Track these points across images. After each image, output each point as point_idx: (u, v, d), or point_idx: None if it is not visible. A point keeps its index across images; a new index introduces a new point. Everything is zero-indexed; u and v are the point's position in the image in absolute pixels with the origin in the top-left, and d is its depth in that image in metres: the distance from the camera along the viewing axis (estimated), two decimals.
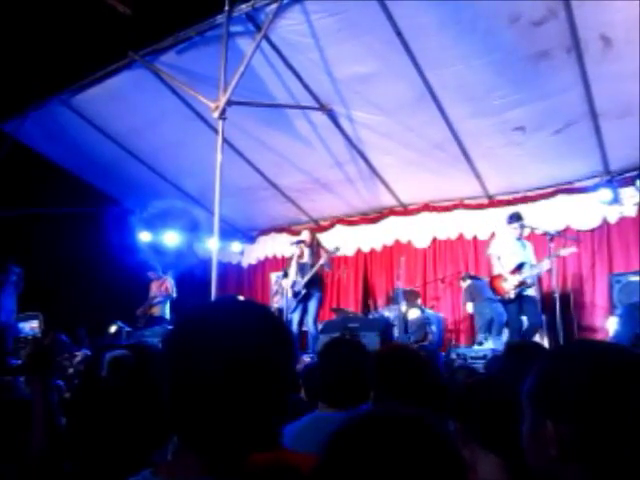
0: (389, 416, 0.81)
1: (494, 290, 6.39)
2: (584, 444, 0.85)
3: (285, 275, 7.50)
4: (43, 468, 1.49)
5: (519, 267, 6.18)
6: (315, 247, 7.11)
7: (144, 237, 9.75)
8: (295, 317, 6.98)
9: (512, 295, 6.21)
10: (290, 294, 7.07)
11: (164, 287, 9.01)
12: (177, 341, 0.93)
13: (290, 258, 7.45)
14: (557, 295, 5.94)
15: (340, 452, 0.77)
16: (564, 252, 6.31)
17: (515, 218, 6.47)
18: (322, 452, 0.80)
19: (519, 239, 6.43)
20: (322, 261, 7.02)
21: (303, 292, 6.94)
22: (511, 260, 6.27)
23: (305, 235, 7.20)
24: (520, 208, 7.68)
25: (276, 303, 8.84)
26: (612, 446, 0.84)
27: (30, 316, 7.71)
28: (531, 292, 6.18)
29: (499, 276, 6.38)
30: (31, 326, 7.58)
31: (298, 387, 2.68)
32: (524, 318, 6.24)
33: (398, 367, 1.88)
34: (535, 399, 0.94)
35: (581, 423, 0.86)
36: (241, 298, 8.98)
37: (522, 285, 6.16)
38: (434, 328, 7.46)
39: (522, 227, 6.39)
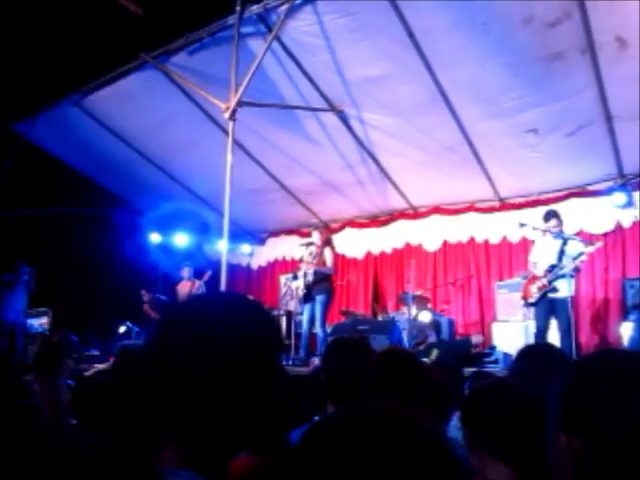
0: (369, 413, 0.75)
1: (523, 294, 6.32)
2: (600, 458, 0.81)
3: (295, 278, 7.45)
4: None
5: (550, 270, 6.03)
6: (322, 247, 6.98)
7: (154, 238, 9.76)
8: (304, 319, 6.92)
9: (533, 299, 6.11)
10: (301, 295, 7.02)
11: (196, 289, 8.76)
12: (162, 334, 0.92)
13: (301, 260, 7.37)
14: (570, 299, 5.83)
15: (310, 455, 0.72)
16: (590, 249, 6.11)
17: (551, 215, 6.17)
18: (292, 455, 0.75)
19: (557, 237, 6.08)
20: (327, 270, 6.92)
21: (305, 293, 6.87)
22: (544, 263, 6.13)
23: (315, 237, 7.13)
24: (532, 212, 7.62)
25: (285, 305, 8.80)
26: (625, 462, 0.79)
27: (39, 312, 7.69)
28: (562, 294, 5.95)
29: (528, 280, 6.29)
30: (40, 322, 7.56)
31: (304, 392, 2.65)
32: (554, 322, 6.07)
33: (396, 371, 1.85)
34: (557, 410, 0.90)
35: (599, 439, 0.81)
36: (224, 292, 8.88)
37: (543, 288, 6.01)
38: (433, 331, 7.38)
39: (560, 223, 6.07)
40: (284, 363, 6.75)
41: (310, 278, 6.82)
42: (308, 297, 6.85)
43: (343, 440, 0.70)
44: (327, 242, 7.06)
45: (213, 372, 0.87)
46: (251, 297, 1.10)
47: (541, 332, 5.94)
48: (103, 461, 0.59)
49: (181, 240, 9.99)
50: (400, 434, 0.70)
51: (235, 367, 0.88)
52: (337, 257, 7.75)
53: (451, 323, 7.80)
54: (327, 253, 6.92)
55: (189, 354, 0.87)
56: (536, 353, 1.85)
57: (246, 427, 0.91)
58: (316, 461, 0.70)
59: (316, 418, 2.23)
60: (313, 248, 7.01)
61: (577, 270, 6.02)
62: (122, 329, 7.88)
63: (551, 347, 2.13)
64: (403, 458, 0.68)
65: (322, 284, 6.82)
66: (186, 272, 8.98)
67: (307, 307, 6.88)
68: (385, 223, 9.30)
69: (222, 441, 0.90)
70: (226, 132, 6.06)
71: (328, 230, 8.51)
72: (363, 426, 0.71)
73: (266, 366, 0.92)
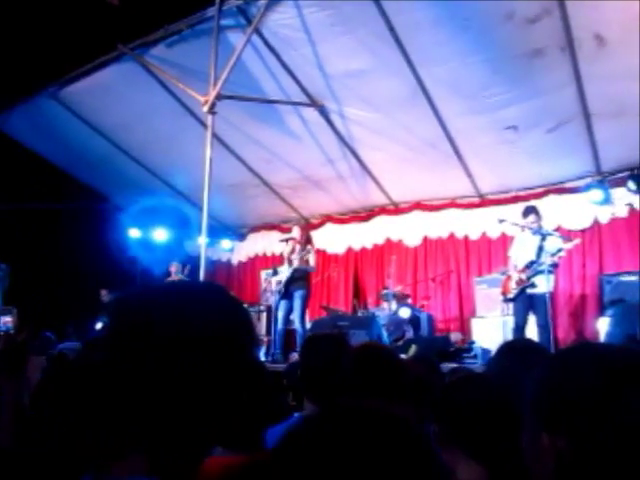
0: (351, 413, 0.71)
1: (502, 290, 6.36)
2: (582, 458, 0.78)
3: (275, 273, 7.42)
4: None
5: (528, 265, 6.06)
6: (304, 244, 6.97)
7: (133, 234, 9.64)
8: (280, 315, 6.89)
9: (511, 295, 6.15)
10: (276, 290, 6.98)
11: None
12: (118, 324, 0.84)
13: (281, 255, 7.33)
14: (548, 295, 5.88)
15: (291, 455, 0.69)
16: (569, 245, 6.16)
17: (529, 211, 6.20)
18: (277, 455, 0.71)
19: (536, 233, 6.10)
20: (308, 267, 6.92)
21: (283, 289, 6.83)
22: (523, 259, 6.17)
23: (295, 232, 7.10)
24: (511, 208, 7.66)
25: (265, 301, 8.76)
26: (613, 463, 0.76)
27: (4, 310, 7.43)
28: (541, 290, 5.89)
29: (508, 276, 6.34)
30: (5, 321, 7.30)
31: (282, 389, 2.62)
32: (532, 317, 6.11)
33: (372, 366, 1.82)
34: (535, 408, 0.86)
35: (581, 437, 0.78)
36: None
37: (522, 283, 6.05)
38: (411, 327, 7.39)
39: (539, 219, 6.11)
40: (262, 359, 6.72)
41: (289, 274, 6.81)
42: (285, 293, 6.84)
43: (327, 441, 0.68)
44: (309, 240, 7.05)
45: (177, 364, 0.80)
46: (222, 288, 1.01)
47: (519, 327, 5.98)
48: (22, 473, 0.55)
49: (161, 235, 9.89)
50: (386, 435, 0.68)
51: (203, 359, 0.81)
52: (317, 253, 7.74)
53: (430, 319, 7.81)
54: (311, 251, 6.93)
55: (149, 345, 0.80)
56: (515, 349, 1.84)
57: (216, 425, 0.84)
58: (301, 462, 0.68)
59: (296, 415, 2.20)
60: (292, 243, 6.99)
61: (555, 266, 6.07)
62: (99, 325, 7.77)
63: (531, 342, 2.13)
64: (387, 460, 0.66)
65: (300, 281, 6.82)
66: (174, 267, 8.95)
67: (283, 303, 6.86)
68: (366, 219, 9.30)
69: (190, 442, 0.82)
70: (206, 126, 5.99)
71: (308, 226, 8.51)
72: (347, 427, 0.69)
73: (238, 358, 0.85)
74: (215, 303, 0.88)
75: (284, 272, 6.98)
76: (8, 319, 7.25)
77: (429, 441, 0.71)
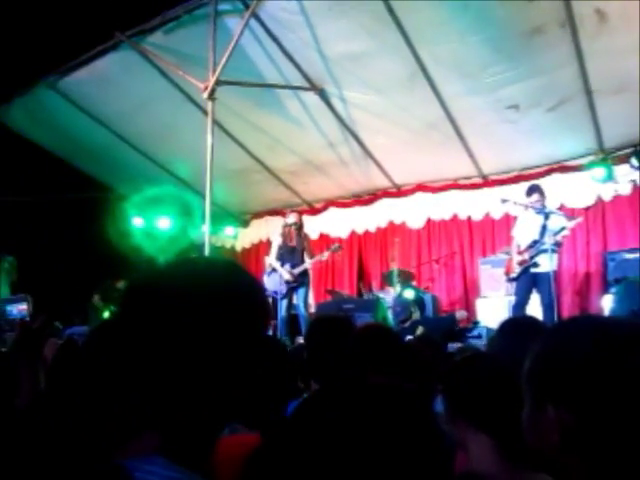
0: (356, 387, 0.74)
1: (505, 270, 6.38)
2: (587, 430, 0.78)
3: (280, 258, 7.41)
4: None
5: (532, 245, 6.07)
6: (302, 231, 7.04)
7: (137, 223, 9.65)
8: (285, 303, 6.92)
9: (514, 274, 6.17)
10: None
11: None
12: (132, 301, 0.84)
13: (283, 239, 7.30)
14: (552, 274, 5.89)
15: (302, 427, 0.71)
16: (571, 223, 6.15)
17: (533, 189, 6.21)
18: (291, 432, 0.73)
19: (540, 212, 6.11)
20: (323, 257, 7.04)
21: (298, 281, 6.87)
22: (526, 238, 6.17)
23: (295, 218, 7.11)
24: (514, 187, 7.66)
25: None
26: (617, 434, 0.77)
27: (18, 298, 7.45)
28: (544, 269, 5.91)
29: (511, 257, 6.36)
30: (19, 308, 7.32)
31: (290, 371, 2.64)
32: (535, 296, 6.12)
33: (374, 346, 1.84)
34: (535, 381, 0.87)
35: (584, 408, 0.79)
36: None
37: (524, 263, 6.07)
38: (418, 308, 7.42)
39: (543, 198, 6.12)
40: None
41: (310, 264, 6.88)
42: (293, 282, 6.89)
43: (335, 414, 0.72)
44: (301, 226, 7.09)
45: (187, 336, 0.79)
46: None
47: (520, 305, 6.00)
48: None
49: (164, 224, 9.89)
50: (389, 405, 0.71)
51: (215, 332, 0.81)
52: (321, 237, 7.77)
53: (435, 300, 7.85)
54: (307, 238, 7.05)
55: (164, 323, 0.80)
56: (517, 326, 1.85)
57: (227, 402, 0.84)
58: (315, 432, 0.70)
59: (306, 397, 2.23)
60: (292, 230, 7.00)
61: (558, 245, 6.07)
62: (106, 314, 7.82)
63: (532, 319, 2.14)
64: (390, 428, 0.70)
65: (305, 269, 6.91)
66: None
67: (289, 290, 6.90)
68: (369, 202, 9.29)
69: (202, 419, 0.83)
70: (206, 113, 5.98)
71: (311, 211, 8.50)
72: (354, 400, 0.72)
73: (252, 334, 0.85)
74: (230, 279, 0.87)
75: (275, 256, 7.03)
76: (23, 307, 7.27)
77: (430, 411, 0.74)
